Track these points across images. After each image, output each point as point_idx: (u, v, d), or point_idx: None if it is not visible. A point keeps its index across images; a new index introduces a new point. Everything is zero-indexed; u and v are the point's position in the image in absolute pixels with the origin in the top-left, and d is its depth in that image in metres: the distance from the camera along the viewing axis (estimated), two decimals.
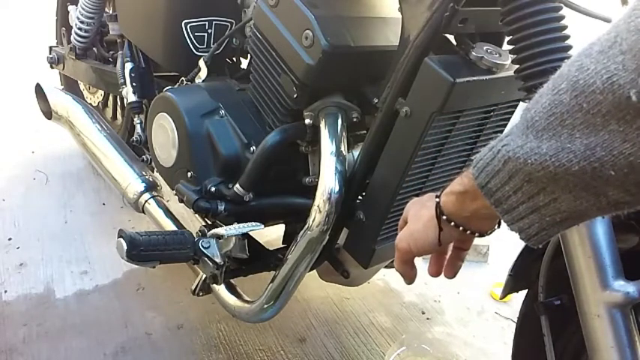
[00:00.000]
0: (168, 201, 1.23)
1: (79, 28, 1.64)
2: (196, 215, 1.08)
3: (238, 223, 0.98)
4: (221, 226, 1.00)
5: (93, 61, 1.69)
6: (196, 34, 1.22)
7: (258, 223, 0.98)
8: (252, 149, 1.01)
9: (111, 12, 1.63)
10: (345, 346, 1.31)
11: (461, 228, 0.58)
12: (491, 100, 0.84)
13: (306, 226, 0.91)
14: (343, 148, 0.92)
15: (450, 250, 0.66)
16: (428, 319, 1.43)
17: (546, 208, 0.45)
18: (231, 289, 1.09)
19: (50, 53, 1.87)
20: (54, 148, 2.12)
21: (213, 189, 1.01)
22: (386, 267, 1.21)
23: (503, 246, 1.66)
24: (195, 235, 1.01)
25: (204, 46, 1.24)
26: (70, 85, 1.98)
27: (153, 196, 1.20)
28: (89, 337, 1.27)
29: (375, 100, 0.90)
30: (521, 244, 0.80)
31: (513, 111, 0.91)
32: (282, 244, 1.15)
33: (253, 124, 1.05)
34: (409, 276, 0.67)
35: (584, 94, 0.39)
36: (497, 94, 0.83)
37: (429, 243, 0.60)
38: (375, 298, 1.48)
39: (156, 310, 1.37)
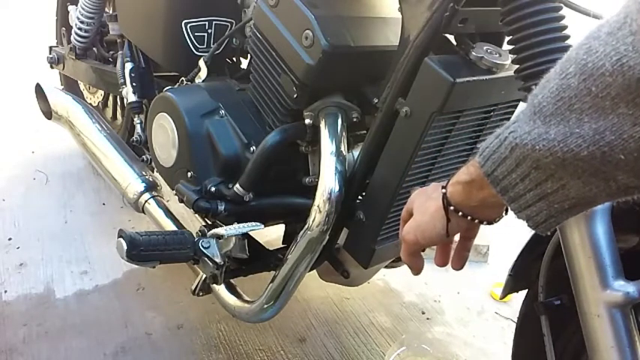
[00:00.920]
0: (168, 201, 1.23)
1: (79, 28, 1.64)
2: (196, 215, 1.08)
3: (238, 223, 0.98)
4: (221, 226, 1.00)
5: (93, 61, 1.69)
6: (196, 34, 1.22)
7: (258, 223, 0.98)
8: (252, 149, 1.01)
9: (111, 12, 1.63)
10: (345, 346, 1.31)
11: (469, 217, 0.57)
12: (491, 100, 0.84)
13: (306, 226, 0.91)
14: (343, 148, 0.92)
15: (457, 241, 0.66)
16: (428, 319, 1.43)
17: (554, 195, 0.44)
18: (231, 289, 1.09)
19: (50, 53, 1.87)
20: (54, 148, 2.12)
21: (213, 189, 1.01)
22: (386, 267, 1.21)
23: (503, 246, 1.66)
24: (195, 235, 1.01)
25: (204, 46, 1.24)
26: (70, 85, 1.98)
27: (153, 196, 1.20)
28: (89, 337, 1.27)
29: (375, 100, 0.90)
30: (522, 244, 0.81)
31: (513, 111, 0.91)
32: (282, 244, 1.15)
33: (253, 124, 1.05)
34: (417, 267, 0.68)
35: (593, 77, 0.38)
36: (497, 94, 0.83)
37: (437, 234, 0.60)
38: (375, 298, 1.48)
39: (156, 310, 1.37)
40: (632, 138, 0.37)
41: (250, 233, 1.02)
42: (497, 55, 0.78)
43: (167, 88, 1.12)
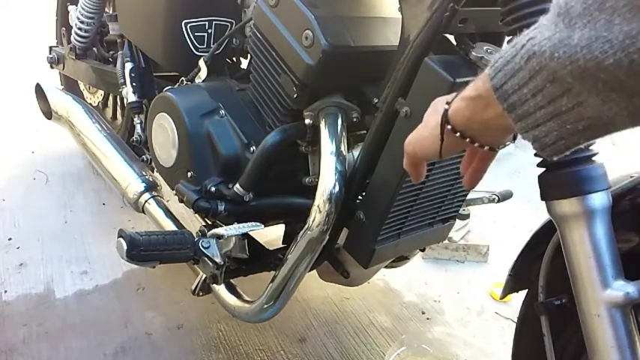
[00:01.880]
0: (168, 201, 1.23)
1: (79, 28, 1.64)
2: (196, 215, 1.08)
3: (238, 223, 0.98)
4: (221, 226, 1.00)
5: (93, 61, 1.69)
6: (196, 34, 1.22)
7: (258, 223, 0.98)
8: (252, 149, 1.01)
9: (111, 12, 1.63)
10: (345, 346, 1.31)
11: (468, 140, 0.52)
12: None
13: (306, 226, 0.91)
14: (343, 148, 0.92)
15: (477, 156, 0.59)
16: (428, 319, 1.43)
17: (568, 113, 0.40)
18: (231, 289, 1.09)
19: (50, 53, 1.87)
20: (54, 148, 2.12)
21: (213, 189, 1.01)
22: (386, 267, 1.21)
23: (503, 246, 1.67)
24: (195, 235, 1.01)
25: (204, 46, 1.24)
26: (70, 85, 1.98)
27: (153, 196, 1.20)
28: (89, 337, 1.27)
29: (375, 100, 0.90)
30: (521, 244, 0.81)
31: None
32: (282, 244, 1.15)
33: (253, 124, 1.05)
34: (415, 176, 0.63)
35: None
36: None
37: (433, 151, 0.56)
38: (375, 298, 1.48)
39: (156, 310, 1.37)
40: None
41: (250, 233, 1.02)
42: None
43: (167, 88, 1.12)
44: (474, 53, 0.77)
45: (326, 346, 1.31)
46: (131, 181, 1.21)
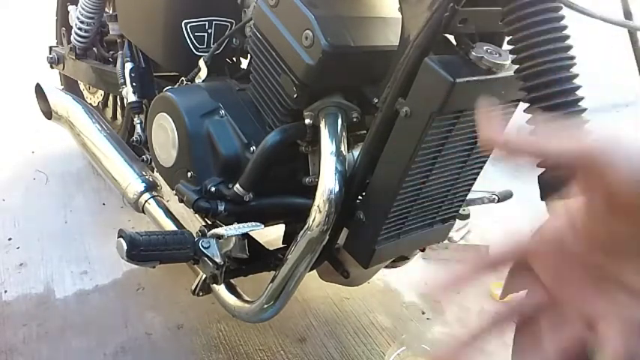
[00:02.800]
0: (168, 201, 1.23)
1: (79, 28, 1.64)
2: (196, 215, 1.08)
3: (238, 223, 0.98)
4: (221, 226, 1.00)
5: (93, 61, 1.69)
6: (196, 34, 1.22)
7: (258, 223, 0.98)
8: (252, 149, 1.01)
9: (111, 12, 1.63)
10: (345, 346, 1.31)
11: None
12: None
13: (306, 226, 0.91)
14: (343, 148, 0.92)
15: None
16: (428, 319, 1.43)
17: None
18: (231, 289, 1.09)
19: (50, 53, 1.87)
20: (54, 148, 2.12)
21: (213, 189, 1.01)
22: (386, 267, 1.21)
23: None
24: (195, 235, 1.01)
25: (204, 46, 1.24)
26: (70, 85, 1.98)
27: (153, 196, 1.20)
28: (89, 337, 1.27)
29: (375, 100, 0.90)
30: None
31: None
32: (282, 244, 1.15)
33: (253, 124, 1.05)
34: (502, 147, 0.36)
35: None
36: (497, 94, 0.83)
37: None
38: (375, 298, 1.48)
39: (156, 310, 1.37)
40: None
41: (250, 233, 1.02)
42: (497, 55, 0.78)
43: (167, 88, 1.12)
44: (473, 53, 0.78)
45: (326, 346, 1.31)
46: (131, 181, 1.21)
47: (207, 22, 1.22)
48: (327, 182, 0.88)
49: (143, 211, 1.21)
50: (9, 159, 2.03)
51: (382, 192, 0.88)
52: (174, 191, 1.09)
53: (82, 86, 1.99)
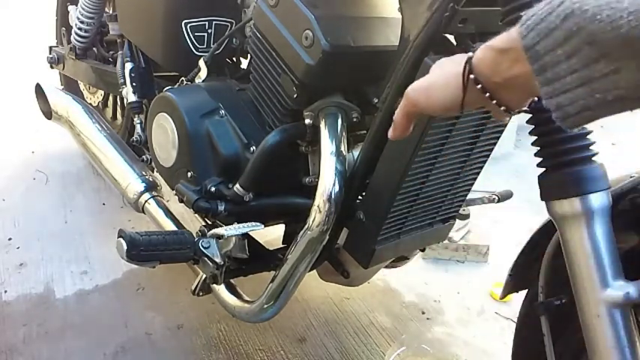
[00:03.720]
0: (168, 201, 1.23)
1: (79, 28, 1.64)
2: (196, 215, 1.08)
3: (238, 223, 0.98)
4: (221, 226, 1.00)
5: (93, 61, 1.69)
6: (196, 34, 1.22)
7: (258, 223, 0.98)
8: (252, 149, 1.01)
9: (111, 12, 1.63)
10: (345, 346, 1.31)
11: (487, 94, 0.48)
12: None
13: (306, 226, 0.91)
14: (343, 148, 0.92)
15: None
16: (428, 319, 1.43)
17: (601, 80, 0.37)
18: (231, 289, 1.09)
19: (50, 53, 1.87)
20: (54, 148, 2.12)
21: (213, 189, 1.01)
22: (386, 267, 1.21)
23: (503, 246, 1.67)
24: (195, 235, 1.01)
25: (204, 46, 1.24)
26: (70, 85, 1.98)
27: (153, 196, 1.20)
28: (89, 337, 1.27)
29: (375, 100, 0.90)
30: (522, 244, 0.81)
31: None
32: (282, 244, 1.15)
33: (253, 124, 1.05)
34: (400, 130, 0.59)
35: None
36: None
37: (444, 101, 0.52)
38: (375, 298, 1.48)
39: (156, 310, 1.37)
40: None
41: (250, 233, 1.02)
42: None
43: (167, 88, 1.12)
44: None
45: (326, 346, 1.31)
46: (131, 181, 1.21)
47: (207, 22, 1.22)
48: (327, 182, 0.88)
49: (143, 211, 1.21)
50: (9, 159, 2.04)
51: (382, 192, 0.88)
52: (174, 191, 1.09)
53: (82, 86, 1.99)
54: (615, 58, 0.36)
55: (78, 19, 1.62)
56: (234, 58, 1.31)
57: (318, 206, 0.89)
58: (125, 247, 0.90)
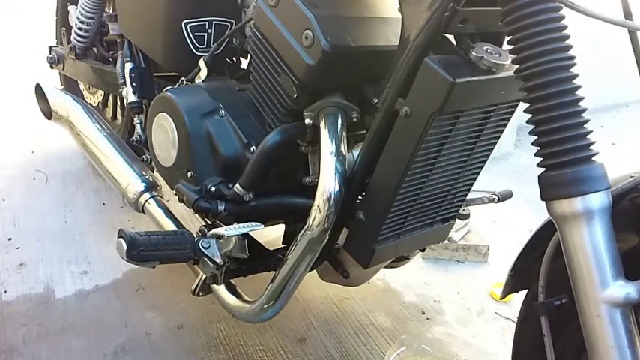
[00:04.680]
0: (168, 201, 1.23)
1: (79, 28, 1.64)
2: (196, 215, 1.08)
3: (238, 223, 0.98)
4: (221, 226, 1.00)
5: (93, 61, 1.69)
6: (196, 34, 1.22)
7: (258, 223, 0.98)
8: (252, 149, 1.01)
9: (111, 12, 1.63)
10: (345, 346, 1.31)
11: None
12: (491, 100, 0.84)
13: (306, 226, 0.91)
14: (343, 148, 0.92)
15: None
16: (428, 319, 1.43)
17: None
18: (231, 289, 1.09)
19: (50, 53, 1.87)
20: (54, 148, 2.12)
21: (213, 189, 1.01)
22: (386, 267, 1.21)
23: (503, 246, 1.67)
24: (195, 235, 1.01)
25: (204, 46, 1.24)
26: (70, 85, 1.98)
27: (153, 196, 1.20)
28: (89, 337, 1.27)
29: (375, 100, 0.90)
30: (522, 244, 0.81)
31: (513, 111, 0.91)
32: (282, 244, 1.15)
33: (253, 124, 1.05)
34: None
35: None
36: (497, 94, 0.83)
37: None
38: (375, 298, 1.48)
39: (156, 310, 1.37)
40: None
41: (250, 233, 1.02)
42: (497, 55, 0.78)
43: (167, 88, 1.12)
44: (473, 53, 0.78)
45: (326, 346, 1.31)
46: (131, 181, 1.21)
47: (207, 22, 1.22)
48: (327, 182, 0.89)
49: (143, 211, 1.21)
50: (9, 159, 2.04)
51: (382, 192, 0.88)
52: (174, 191, 1.09)
53: (82, 86, 2.00)
54: None
55: (78, 19, 1.62)
56: (234, 58, 1.31)
57: (318, 206, 0.89)
58: (125, 247, 0.90)
